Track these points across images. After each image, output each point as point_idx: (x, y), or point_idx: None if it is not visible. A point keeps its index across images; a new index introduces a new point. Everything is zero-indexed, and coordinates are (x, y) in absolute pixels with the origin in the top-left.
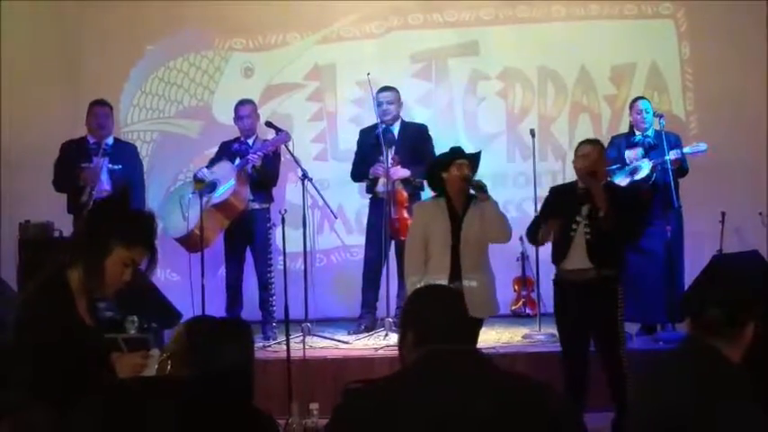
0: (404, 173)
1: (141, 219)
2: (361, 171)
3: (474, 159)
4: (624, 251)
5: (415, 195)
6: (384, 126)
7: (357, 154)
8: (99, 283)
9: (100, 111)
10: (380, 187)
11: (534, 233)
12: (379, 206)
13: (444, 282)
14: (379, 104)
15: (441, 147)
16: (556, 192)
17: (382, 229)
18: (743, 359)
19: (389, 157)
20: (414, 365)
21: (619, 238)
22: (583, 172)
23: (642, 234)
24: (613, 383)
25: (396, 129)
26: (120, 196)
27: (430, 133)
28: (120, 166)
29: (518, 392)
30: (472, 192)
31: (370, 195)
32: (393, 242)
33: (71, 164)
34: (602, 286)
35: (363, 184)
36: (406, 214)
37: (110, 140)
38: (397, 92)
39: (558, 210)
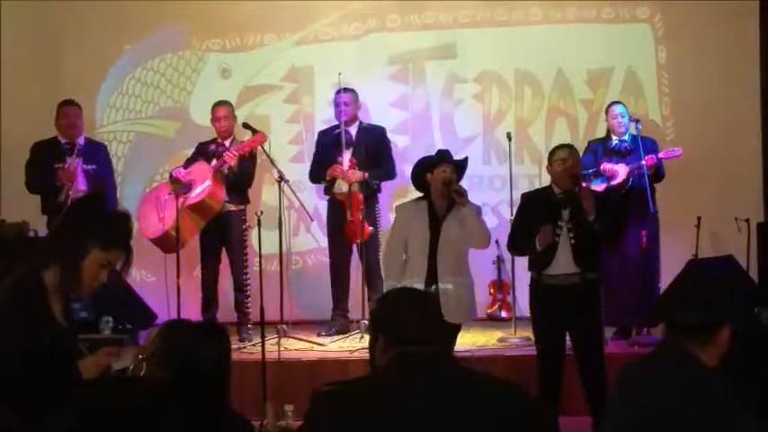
0: (359, 175)
1: (118, 220)
2: (318, 172)
3: (459, 165)
4: (602, 254)
5: (371, 198)
6: (341, 128)
7: (315, 155)
8: (75, 284)
9: (70, 111)
10: (341, 188)
11: (517, 245)
12: (337, 206)
13: (421, 285)
14: (336, 105)
15: (417, 150)
16: (530, 198)
17: (342, 229)
18: (721, 364)
19: (347, 158)
20: (384, 369)
21: (603, 241)
22: (564, 175)
23: (620, 239)
24: (593, 388)
25: (353, 130)
26: (96, 196)
27: (388, 136)
28: (94, 166)
29: (489, 394)
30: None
31: (327, 197)
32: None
33: (44, 165)
34: (587, 290)
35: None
36: (360, 217)
37: (81, 140)
38: (355, 93)
39: (537, 216)
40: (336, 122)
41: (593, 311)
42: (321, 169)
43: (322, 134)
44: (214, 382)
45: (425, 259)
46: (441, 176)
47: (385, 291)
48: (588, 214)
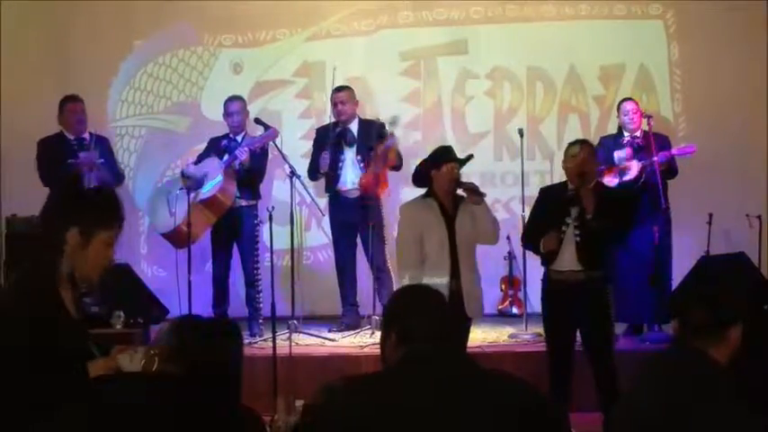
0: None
1: (106, 195)
2: (318, 168)
3: (463, 163)
4: (612, 251)
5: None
6: (342, 126)
7: (314, 153)
8: (85, 271)
9: (78, 107)
10: (346, 185)
11: (528, 240)
12: (340, 204)
13: (445, 281)
14: (333, 105)
15: (428, 145)
16: (545, 192)
17: (346, 226)
18: (732, 361)
19: (352, 156)
20: (395, 366)
21: (606, 239)
22: (572, 172)
23: (628, 235)
24: (604, 384)
25: (354, 128)
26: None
27: (387, 129)
28: (103, 160)
29: (501, 392)
30: (459, 193)
31: (328, 194)
32: (359, 237)
33: (57, 160)
34: (591, 287)
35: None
36: (386, 173)
37: (87, 135)
38: (351, 90)
39: (548, 211)
40: (334, 120)
41: (600, 308)
42: (321, 166)
43: (321, 131)
44: (226, 379)
45: (447, 256)
46: (449, 174)
47: (402, 283)
48: (586, 212)
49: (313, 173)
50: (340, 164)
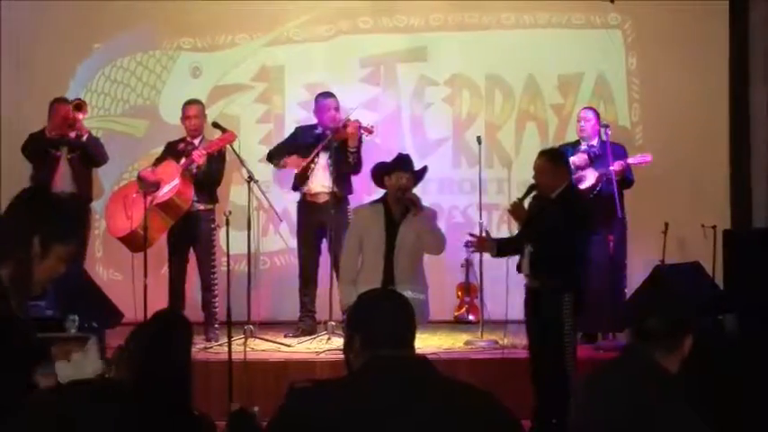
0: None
1: (71, 208)
2: (282, 153)
3: (417, 175)
4: (570, 261)
5: (343, 200)
6: (322, 130)
7: (286, 141)
8: (32, 283)
9: (60, 108)
10: (315, 189)
11: None
12: (308, 208)
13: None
14: (327, 109)
15: (387, 152)
16: None
17: (313, 230)
18: (681, 369)
19: (324, 162)
20: (360, 370)
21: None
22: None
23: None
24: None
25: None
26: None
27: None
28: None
29: (462, 400)
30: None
31: (298, 196)
32: (327, 243)
33: (35, 155)
34: (545, 295)
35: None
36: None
37: (73, 134)
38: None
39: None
40: (313, 122)
41: (552, 316)
42: (285, 154)
43: (301, 129)
44: (178, 379)
45: (381, 263)
46: (396, 183)
47: (340, 297)
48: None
49: (275, 157)
50: (312, 165)
